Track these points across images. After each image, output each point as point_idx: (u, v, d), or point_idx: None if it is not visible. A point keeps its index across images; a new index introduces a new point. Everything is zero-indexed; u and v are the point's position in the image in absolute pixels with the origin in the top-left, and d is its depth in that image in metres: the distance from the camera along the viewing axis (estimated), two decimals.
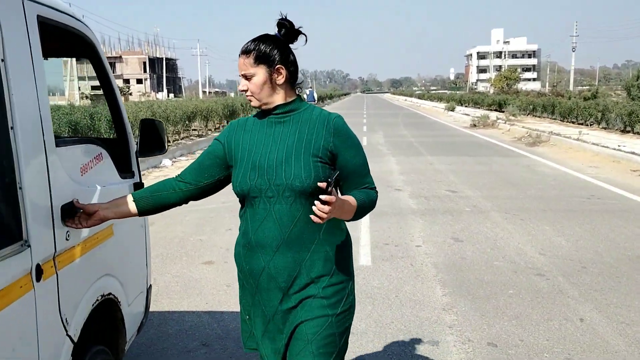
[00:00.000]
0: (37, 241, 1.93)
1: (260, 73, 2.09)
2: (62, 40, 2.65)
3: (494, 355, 3.90)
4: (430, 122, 33.03)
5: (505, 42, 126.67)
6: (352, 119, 28.56)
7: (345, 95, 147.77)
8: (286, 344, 2.14)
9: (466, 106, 48.36)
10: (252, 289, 2.17)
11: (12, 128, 1.83)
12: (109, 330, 2.71)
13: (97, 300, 2.42)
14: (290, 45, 2.15)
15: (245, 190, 2.09)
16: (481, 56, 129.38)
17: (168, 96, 70.61)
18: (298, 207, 2.04)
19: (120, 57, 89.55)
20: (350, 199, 2.06)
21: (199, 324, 4.42)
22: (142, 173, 3.34)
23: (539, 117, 31.00)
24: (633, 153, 13.81)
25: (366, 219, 7.32)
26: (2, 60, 1.81)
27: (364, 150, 2.24)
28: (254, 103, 2.14)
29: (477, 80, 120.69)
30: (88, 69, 72.80)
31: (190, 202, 2.31)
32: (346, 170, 2.12)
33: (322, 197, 1.83)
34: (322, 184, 1.84)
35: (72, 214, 2.16)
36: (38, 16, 2.08)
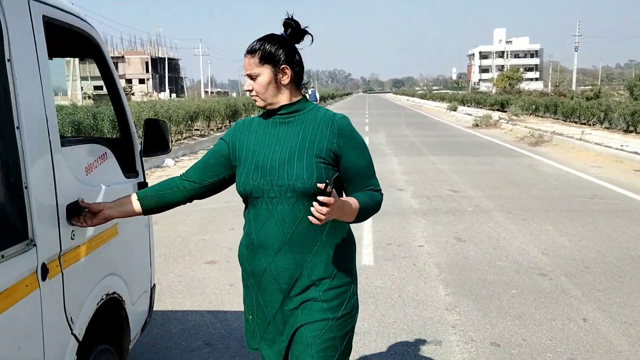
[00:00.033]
0: (43, 240, 1.95)
1: (265, 73, 2.08)
2: (67, 40, 2.66)
3: (497, 355, 3.90)
4: (433, 122, 33.01)
5: (507, 42, 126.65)
6: (354, 118, 28.55)
7: (347, 95, 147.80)
8: (287, 347, 2.13)
9: (468, 106, 48.33)
10: (254, 290, 2.17)
11: (17, 128, 1.84)
12: (114, 329, 2.72)
13: (102, 299, 2.43)
14: (296, 45, 2.14)
15: (248, 191, 2.09)
16: (483, 56, 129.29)
17: (170, 96, 70.69)
18: (300, 208, 2.03)
19: (123, 57, 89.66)
20: (351, 200, 2.03)
21: (202, 323, 4.43)
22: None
23: (542, 117, 30.97)
24: (636, 153, 13.79)
25: (368, 219, 7.32)
26: (9, 60, 1.82)
27: None
28: (259, 103, 2.13)
29: (480, 80, 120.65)
30: (91, 69, 72.99)
31: (193, 202, 2.31)
32: (350, 171, 2.11)
33: (319, 198, 1.82)
34: (321, 185, 1.82)
35: (78, 212, 2.17)
36: (44, 16, 2.09)
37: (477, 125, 27.07)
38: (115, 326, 2.73)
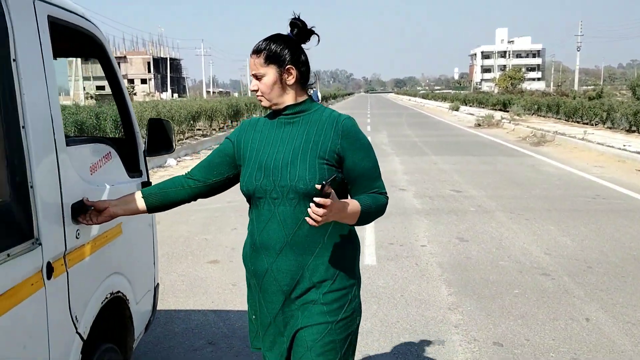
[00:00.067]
0: (48, 239, 1.95)
1: (270, 73, 2.07)
2: (72, 40, 2.66)
3: (500, 354, 3.90)
4: (434, 121, 33.00)
5: (509, 42, 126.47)
6: (356, 118, 28.46)
7: (349, 95, 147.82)
8: (288, 348, 2.13)
9: (470, 106, 48.31)
10: (256, 290, 2.17)
11: (23, 127, 1.84)
12: (118, 328, 2.73)
13: (106, 298, 2.44)
14: (303, 45, 2.13)
15: (251, 191, 2.09)
16: (485, 56, 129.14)
17: (172, 96, 70.72)
18: (302, 210, 1.99)
19: (125, 57, 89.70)
20: (352, 203, 2.00)
21: (205, 322, 4.44)
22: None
23: (544, 116, 30.94)
24: (638, 153, 13.78)
25: None
26: (14, 60, 1.82)
27: None
28: (264, 103, 2.13)
29: (482, 79, 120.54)
30: (93, 69, 73.03)
31: (196, 202, 2.32)
32: (354, 173, 2.08)
33: (315, 199, 1.81)
34: (319, 186, 1.81)
35: (84, 210, 2.18)
36: (49, 16, 2.10)
37: (479, 125, 27.06)
38: (119, 325, 2.73)
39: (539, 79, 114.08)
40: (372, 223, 7.30)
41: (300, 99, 2.14)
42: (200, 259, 6.13)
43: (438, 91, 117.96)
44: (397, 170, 12.59)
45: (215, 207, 8.53)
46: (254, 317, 2.23)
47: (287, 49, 2.07)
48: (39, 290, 1.90)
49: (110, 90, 2.94)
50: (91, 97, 47.02)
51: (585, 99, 29.84)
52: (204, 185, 2.23)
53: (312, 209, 1.82)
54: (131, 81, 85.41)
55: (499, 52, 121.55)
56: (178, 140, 17.67)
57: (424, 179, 11.31)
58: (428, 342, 4.08)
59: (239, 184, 2.19)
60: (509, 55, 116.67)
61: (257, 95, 2.13)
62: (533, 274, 5.53)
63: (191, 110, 19.17)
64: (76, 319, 2.16)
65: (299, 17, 2.12)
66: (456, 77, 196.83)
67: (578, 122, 25.68)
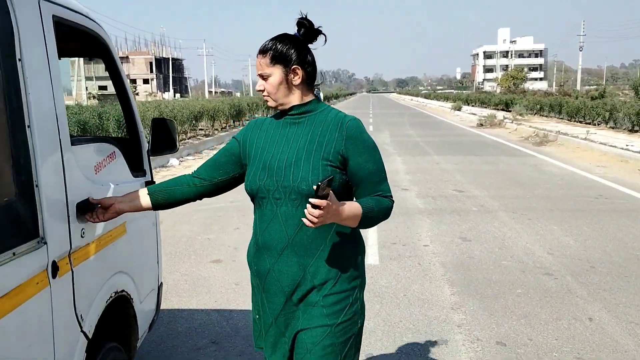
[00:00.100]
0: (53, 238, 1.96)
1: (276, 73, 2.06)
2: (76, 40, 2.67)
3: (503, 354, 3.90)
4: (437, 121, 32.98)
5: (511, 42, 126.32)
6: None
7: (351, 95, 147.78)
8: (290, 349, 2.12)
9: (473, 106, 48.27)
10: (259, 290, 2.17)
11: (28, 126, 1.85)
12: (122, 327, 2.74)
13: (111, 297, 2.45)
14: (310, 45, 2.11)
15: (254, 190, 2.09)
16: (488, 56, 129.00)
17: (174, 96, 70.79)
18: (304, 211, 1.98)
19: (127, 57, 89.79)
20: (353, 205, 1.98)
21: (208, 322, 4.45)
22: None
23: (546, 116, 30.91)
24: None
25: None
26: (19, 59, 1.83)
27: None
28: (271, 103, 2.12)
29: (484, 79, 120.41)
30: (95, 69, 73.10)
31: (199, 201, 2.31)
32: (358, 176, 2.06)
33: (311, 200, 1.79)
34: (316, 187, 1.80)
35: (90, 208, 2.19)
36: (53, 16, 2.11)
37: (481, 124, 27.04)
38: (123, 324, 2.74)
39: (541, 79, 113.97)
40: None
41: (307, 99, 2.13)
42: (203, 258, 6.14)
43: (440, 91, 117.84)
44: (400, 170, 12.59)
45: (217, 207, 8.54)
46: (257, 316, 2.23)
47: (293, 49, 2.06)
48: (44, 289, 1.90)
49: (113, 90, 2.95)
50: (94, 97, 47.07)
51: (587, 99, 29.79)
52: (209, 184, 2.22)
53: (308, 210, 1.81)
54: (133, 81, 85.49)
55: (501, 52, 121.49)
56: (180, 140, 17.69)
57: (426, 179, 11.30)
58: (431, 342, 4.08)
59: (243, 183, 2.20)
60: (511, 55, 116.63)
61: (264, 96, 2.12)
62: (536, 274, 5.53)
63: (193, 110, 19.19)
64: (81, 317, 2.17)
65: (306, 16, 2.10)
66: (458, 77, 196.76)
67: (580, 122, 25.65)
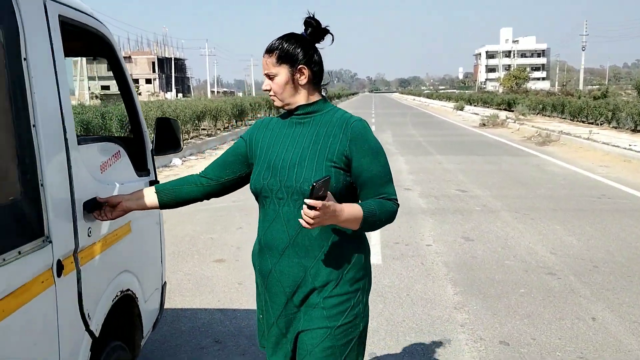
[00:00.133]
0: (58, 237, 1.96)
1: (282, 73, 2.05)
2: (82, 39, 2.68)
3: (506, 353, 3.90)
4: (439, 121, 32.96)
5: (514, 42, 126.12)
6: None
7: (353, 94, 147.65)
8: (293, 349, 2.12)
9: (475, 105, 48.24)
10: (263, 289, 2.17)
11: (33, 126, 1.85)
12: (126, 326, 2.75)
13: (117, 296, 2.46)
14: (317, 44, 2.10)
15: (258, 189, 2.09)
16: (490, 55, 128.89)
17: (177, 96, 70.91)
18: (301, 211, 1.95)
19: (130, 57, 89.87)
20: (352, 207, 1.96)
21: (211, 321, 4.45)
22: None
23: (549, 116, 30.88)
24: None
25: None
26: (25, 59, 1.84)
27: None
28: (277, 103, 2.11)
29: (486, 79, 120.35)
30: (98, 68, 73.16)
31: (202, 201, 2.32)
32: (361, 178, 2.04)
33: (306, 200, 1.78)
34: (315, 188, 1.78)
35: (98, 206, 2.20)
36: (59, 15, 2.11)
37: (484, 124, 27.01)
38: (128, 323, 2.75)
39: (543, 79, 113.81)
40: None
41: (313, 99, 2.11)
42: (206, 258, 6.15)
43: (442, 91, 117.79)
44: (402, 169, 12.58)
45: (220, 207, 8.54)
46: (261, 316, 2.23)
47: (300, 48, 2.05)
48: (49, 288, 1.91)
49: (115, 90, 2.97)
50: (96, 97, 47.14)
51: (590, 99, 29.76)
52: (216, 184, 2.22)
53: (304, 211, 1.80)
54: (136, 81, 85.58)
55: (504, 52, 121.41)
56: (183, 140, 17.67)
57: (429, 179, 11.30)
58: (434, 341, 4.08)
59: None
60: (514, 54, 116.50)
61: (270, 95, 2.11)
62: (539, 274, 5.53)
63: (196, 110, 19.20)
64: (89, 316, 2.18)
65: (313, 16, 2.08)
66: (460, 76, 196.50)
67: (583, 122, 25.62)
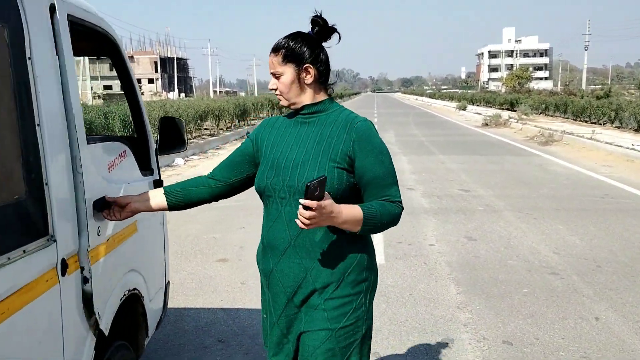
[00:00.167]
0: (63, 236, 1.97)
1: (288, 72, 2.04)
2: (89, 39, 2.68)
3: (509, 353, 3.90)
4: (442, 121, 32.94)
5: (516, 41, 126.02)
6: None
7: (355, 94, 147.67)
8: (295, 351, 2.12)
9: (478, 105, 48.18)
10: (266, 289, 2.17)
11: (38, 125, 1.86)
12: (131, 325, 2.75)
13: (124, 295, 2.46)
14: (324, 43, 2.09)
15: (262, 188, 2.08)
16: (492, 55, 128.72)
17: (179, 96, 70.98)
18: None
19: (132, 57, 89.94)
20: (351, 208, 1.94)
21: (214, 320, 4.46)
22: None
23: (552, 116, 30.83)
24: None
25: None
26: (29, 58, 1.84)
27: None
28: (283, 102, 2.10)
29: (489, 79, 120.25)
30: (100, 68, 73.21)
31: None
32: (364, 179, 2.02)
33: (301, 200, 1.77)
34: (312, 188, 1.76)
35: (107, 206, 2.21)
36: (68, 15, 2.13)
37: (486, 124, 26.99)
38: (131, 322, 2.75)
39: (546, 78, 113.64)
40: None
41: (319, 99, 2.10)
42: (209, 257, 6.16)
43: (445, 90, 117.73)
44: (405, 169, 12.58)
45: (223, 206, 8.54)
46: (265, 315, 2.23)
47: (306, 47, 2.04)
48: (53, 287, 1.91)
49: (118, 90, 2.97)
50: (99, 97, 47.21)
51: (593, 98, 29.74)
52: (224, 185, 2.22)
53: (299, 211, 1.80)
54: (138, 81, 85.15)
55: (506, 52, 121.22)
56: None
57: (431, 178, 11.30)
58: (437, 341, 4.08)
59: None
60: (516, 54, 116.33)
61: (276, 95, 2.10)
62: (542, 273, 5.52)
63: (198, 110, 19.22)
64: (99, 315, 2.19)
65: (320, 14, 2.07)
66: (463, 76, 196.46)
67: (586, 122, 25.58)
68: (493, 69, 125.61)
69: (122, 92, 2.96)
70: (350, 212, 1.93)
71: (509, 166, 13.06)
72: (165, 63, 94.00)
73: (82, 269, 2.12)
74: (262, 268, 2.15)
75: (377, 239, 6.70)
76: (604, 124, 23.57)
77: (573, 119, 27.45)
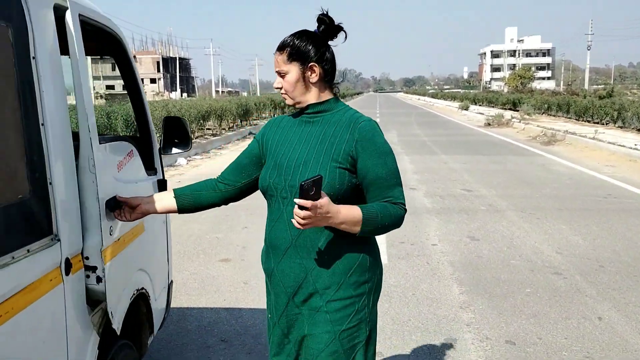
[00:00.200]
0: (66, 235, 1.97)
1: (293, 71, 2.02)
2: (97, 39, 2.69)
3: (512, 353, 3.89)
4: (444, 121, 32.91)
5: (519, 41, 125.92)
6: None
7: (357, 94, 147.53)
8: (297, 351, 2.12)
9: (480, 105, 48.12)
10: (269, 288, 2.17)
11: (42, 124, 1.86)
12: (134, 325, 2.75)
13: (134, 294, 2.47)
14: (330, 42, 2.07)
15: (265, 187, 2.08)
16: (495, 55, 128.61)
17: (181, 95, 71.04)
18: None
19: (135, 56, 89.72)
20: (350, 209, 1.92)
21: (217, 320, 4.46)
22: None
23: (554, 116, 30.80)
24: None
25: None
26: (33, 57, 1.84)
27: None
28: (288, 101, 2.09)
29: (491, 79, 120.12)
30: (103, 68, 73.29)
31: None
32: (366, 180, 2.00)
33: (296, 200, 1.76)
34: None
35: (118, 206, 2.22)
36: (80, 15, 2.14)
37: (489, 124, 26.95)
38: (135, 321, 2.75)
39: (548, 78, 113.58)
40: None
41: (324, 98, 2.09)
42: (212, 257, 6.16)
43: (447, 90, 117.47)
44: (407, 169, 12.57)
45: (225, 206, 8.54)
46: (269, 315, 2.22)
47: (311, 45, 2.02)
48: (57, 286, 1.92)
49: (120, 90, 2.98)
50: (101, 97, 47.25)
51: (595, 98, 29.68)
52: (233, 189, 2.22)
53: (295, 211, 1.79)
54: (141, 80, 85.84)
55: (509, 51, 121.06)
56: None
57: (434, 178, 11.29)
58: (440, 341, 4.08)
59: None
60: (519, 54, 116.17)
61: (282, 93, 2.10)
62: (545, 273, 5.51)
63: (201, 110, 19.23)
64: (112, 314, 2.19)
65: (327, 13, 2.05)
66: (465, 76, 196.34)
67: (589, 122, 25.54)
68: (495, 68, 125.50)
69: (125, 92, 2.96)
70: (349, 213, 1.91)
71: (511, 166, 13.05)
72: (167, 63, 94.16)
73: (95, 268, 2.12)
74: (265, 267, 2.15)
75: (380, 239, 6.66)
76: (606, 124, 23.53)
77: (575, 119, 27.42)
